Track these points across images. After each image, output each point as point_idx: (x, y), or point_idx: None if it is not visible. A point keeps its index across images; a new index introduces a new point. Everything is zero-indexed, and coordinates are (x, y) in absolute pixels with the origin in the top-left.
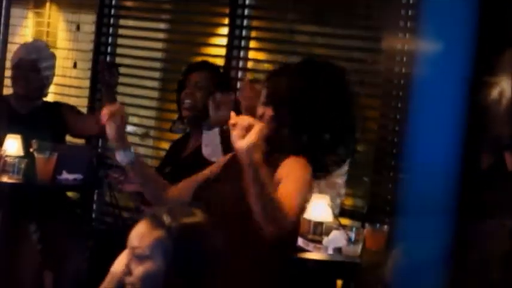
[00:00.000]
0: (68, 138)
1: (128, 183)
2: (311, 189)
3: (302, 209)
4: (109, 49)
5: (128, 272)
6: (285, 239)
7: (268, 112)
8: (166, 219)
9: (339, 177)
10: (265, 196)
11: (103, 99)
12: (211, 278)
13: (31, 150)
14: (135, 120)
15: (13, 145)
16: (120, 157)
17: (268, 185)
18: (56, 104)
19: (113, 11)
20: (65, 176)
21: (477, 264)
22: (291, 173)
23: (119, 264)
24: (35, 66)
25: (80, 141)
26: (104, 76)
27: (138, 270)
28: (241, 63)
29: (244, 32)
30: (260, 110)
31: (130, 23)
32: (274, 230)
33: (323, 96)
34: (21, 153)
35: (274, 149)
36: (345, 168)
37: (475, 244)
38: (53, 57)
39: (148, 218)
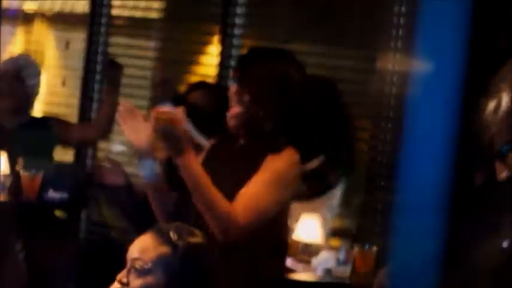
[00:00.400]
0: (56, 156)
1: (113, 175)
2: (290, 183)
3: (266, 210)
4: (98, 67)
5: (126, 282)
6: (275, 248)
7: (232, 89)
8: (173, 236)
9: (333, 198)
10: (201, 196)
11: (105, 99)
12: None
13: (17, 168)
14: (123, 139)
15: None
16: (143, 168)
17: (203, 183)
18: (44, 118)
19: (103, 29)
20: (51, 194)
21: (469, 282)
22: (265, 168)
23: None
24: (19, 76)
25: (68, 158)
26: (106, 73)
27: (136, 282)
28: None
29: (234, 51)
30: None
31: (121, 41)
32: (220, 233)
33: (289, 76)
34: (7, 171)
35: (251, 134)
36: (339, 190)
37: (468, 262)
38: (38, 70)
39: (153, 233)
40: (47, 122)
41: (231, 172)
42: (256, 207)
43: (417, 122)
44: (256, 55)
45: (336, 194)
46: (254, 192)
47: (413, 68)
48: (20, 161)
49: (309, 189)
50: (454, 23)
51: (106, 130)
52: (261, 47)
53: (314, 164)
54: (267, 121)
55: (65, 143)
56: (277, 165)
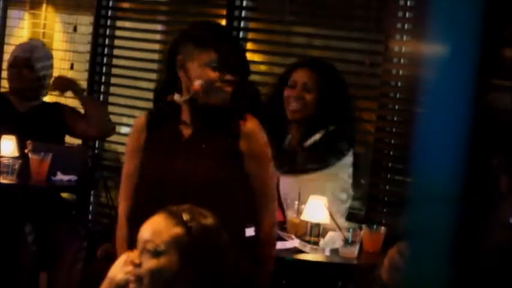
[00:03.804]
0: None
1: None
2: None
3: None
4: (106, 50)
5: (139, 263)
6: None
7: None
8: (186, 217)
9: (346, 182)
10: None
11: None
12: (221, 277)
13: (26, 151)
14: (130, 121)
15: (8, 146)
16: None
17: None
18: (56, 105)
19: (109, 13)
20: (60, 176)
21: (483, 264)
22: (258, 157)
23: (116, 269)
24: (28, 63)
25: (76, 141)
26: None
27: (149, 263)
28: None
29: (241, 34)
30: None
31: (127, 24)
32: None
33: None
34: (16, 153)
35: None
36: (350, 170)
37: (482, 244)
38: (49, 56)
39: (165, 214)
40: (60, 108)
41: None
42: (275, 204)
43: (431, 105)
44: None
45: (349, 175)
46: (270, 202)
47: (425, 50)
48: (29, 145)
49: (312, 161)
50: (468, 4)
51: (102, 130)
52: None
53: (316, 137)
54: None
55: (73, 135)
56: (265, 149)
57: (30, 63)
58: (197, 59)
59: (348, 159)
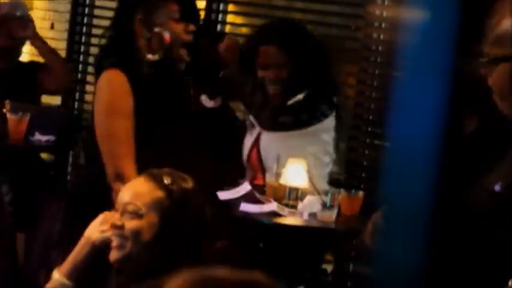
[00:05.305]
0: (44, 99)
1: None
2: None
3: None
4: (86, 10)
5: (120, 225)
6: None
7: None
8: (167, 181)
9: (329, 145)
10: None
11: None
12: (200, 241)
13: (4, 110)
14: None
15: None
16: None
17: None
18: (31, 63)
19: None
20: (38, 137)
21: (460, 228)
22: None
23: (93, 228)
24: (22, 19)
25: (55, 102)
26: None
27: (131, 224)
28: (219, 27)
29: None
30: None
31: None
32: None
33: None
34: None
35: None
36: (332, 133)
37: (459, 208)
38: (30, 15)
39: (146, 178)
40: (35, 67)
41: None
42: None
43: (411, 70)
44: None
45: (331, 137)
46: None
47: (404, 14)
48: (7, 104)
49: (293, 120)
50: None
51: (62, 81)
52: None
53: (299, 97)
54: None
55: (48, 92)
56: None
57: (24, 21)
58: (161, 12)
59: (330, 121)
